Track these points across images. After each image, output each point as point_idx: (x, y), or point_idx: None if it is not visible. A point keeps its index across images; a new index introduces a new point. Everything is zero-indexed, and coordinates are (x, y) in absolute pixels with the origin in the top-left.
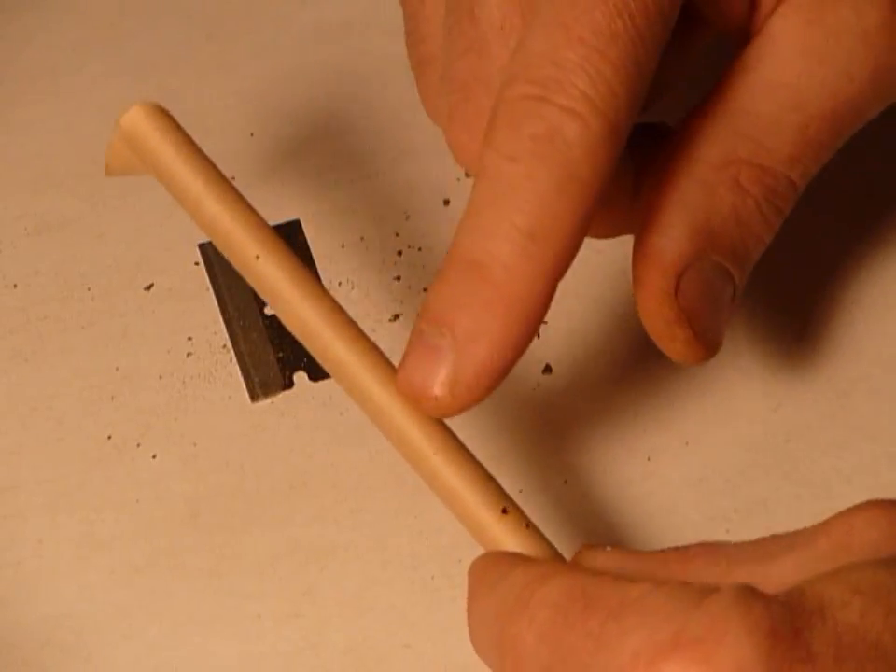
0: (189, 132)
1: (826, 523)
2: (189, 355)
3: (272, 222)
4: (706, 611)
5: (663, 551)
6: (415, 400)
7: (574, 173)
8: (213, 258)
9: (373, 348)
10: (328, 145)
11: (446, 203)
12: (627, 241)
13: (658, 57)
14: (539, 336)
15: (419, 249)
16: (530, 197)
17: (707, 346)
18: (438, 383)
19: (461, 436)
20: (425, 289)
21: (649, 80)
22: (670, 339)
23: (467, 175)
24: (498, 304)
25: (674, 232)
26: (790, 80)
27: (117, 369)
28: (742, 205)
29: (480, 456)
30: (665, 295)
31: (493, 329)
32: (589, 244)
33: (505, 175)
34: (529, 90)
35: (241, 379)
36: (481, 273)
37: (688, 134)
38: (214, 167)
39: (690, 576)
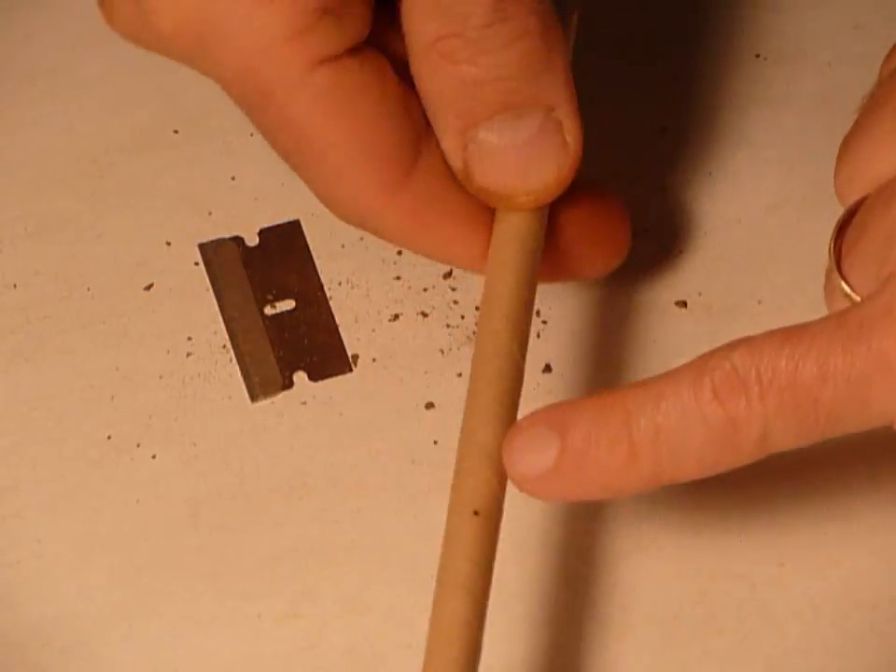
0: (190, 132)
1: None
2: (188, 355)
3: (271, 222)
4: None
5: None
6: None
7: None
8: (213, 257)
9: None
10: None
11: None
12: None
13: None
14: (538, 336)
15: None
16: None
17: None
18: None
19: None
20: (425, 289)
21: None
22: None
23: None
24: None
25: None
26: None
27: (117, 369)
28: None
29: None
30: (467, 184)
31: None
32: None
33: None
34: None
35: (241, 379)
36: None
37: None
38: None
39: None
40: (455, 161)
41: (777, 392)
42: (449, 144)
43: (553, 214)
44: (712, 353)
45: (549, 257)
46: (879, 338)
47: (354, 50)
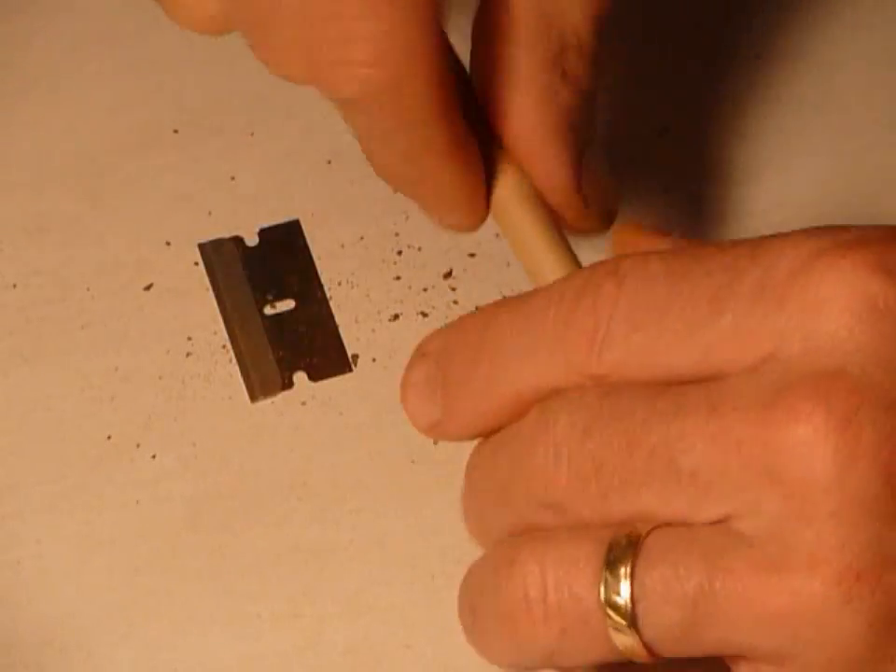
0: (190, 132)
1: None
2: (188, 355)
3: (271, 222)
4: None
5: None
6: None
7: None
8: (212, 257)
9: None
10: (328, 144)
11: None
12: None
13: None
14: None
15: (419, 249)
16: None
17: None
18: None
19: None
20: (425, 289)
21: None
22: (584, 221)
23: None
24: None
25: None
26: None
27: (117, 369)
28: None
29: None
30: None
31: None
32: (588, 243)
33: None
34: None
35: (241, 379)
36: None
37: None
38: None
39: None
40: (571, 181)
41: None
42: (562, 168)
43: None
44: None
45: None
46: None
47: None
